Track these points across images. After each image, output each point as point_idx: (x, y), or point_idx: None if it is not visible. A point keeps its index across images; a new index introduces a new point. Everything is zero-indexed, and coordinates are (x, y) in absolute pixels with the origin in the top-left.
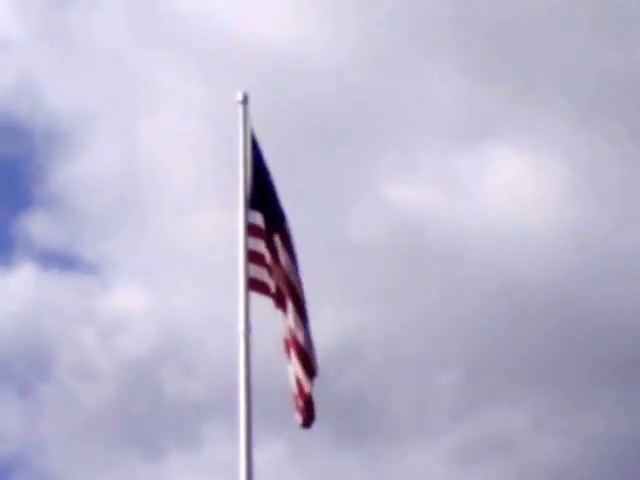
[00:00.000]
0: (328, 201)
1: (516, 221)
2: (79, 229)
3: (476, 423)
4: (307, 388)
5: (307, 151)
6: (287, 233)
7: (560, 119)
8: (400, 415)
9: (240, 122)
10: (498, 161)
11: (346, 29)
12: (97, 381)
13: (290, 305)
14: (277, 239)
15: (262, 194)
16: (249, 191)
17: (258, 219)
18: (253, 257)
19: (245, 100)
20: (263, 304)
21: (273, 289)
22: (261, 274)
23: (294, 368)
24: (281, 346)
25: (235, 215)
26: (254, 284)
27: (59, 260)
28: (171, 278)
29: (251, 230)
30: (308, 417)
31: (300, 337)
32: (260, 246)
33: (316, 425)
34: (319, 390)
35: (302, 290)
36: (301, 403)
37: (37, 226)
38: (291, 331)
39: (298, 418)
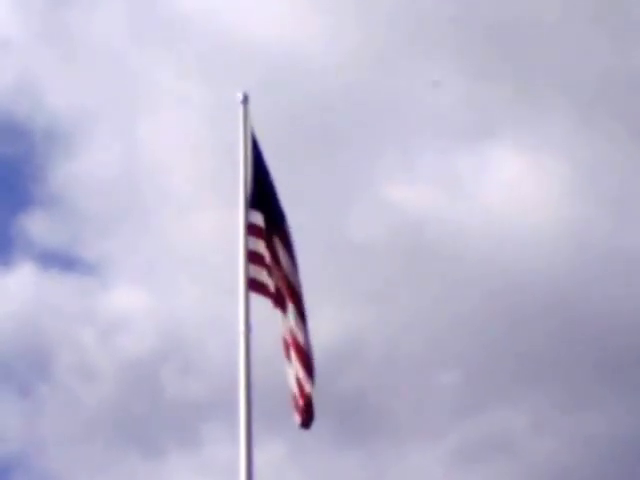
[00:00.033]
0: (328, 201)
1: (516, 221)
2: (79, 229)
3: (476, 423)
4: (307, 388)
5: (307, 151)
6: (287, 233)
7: (560, 119)
8: (400, 415)
9: (240, 122)
10: (498, 161)
11: (346, 29)
12: (97, 381)
13: (290, 305)
14: (277, 239)
15: (262, 194)
16: (249, 191)
17: (258, 219)
18: (253, 257)
19: (245, 100)
20: (263, 304)
21: (273, 289)
22: (261, 274)
23: (294, 368)
24: (281, 346)
25: (235, 215)
26: (254, 285)
27: (59, 260)
28: (171, 278)
29: (251, 230)
30: (307, 417)
31: (300, 337)
32: (260, 246)
33: (316, 425)
34: (319, 390)
35: (301, 291)
36: (301, 403)
37: (37, 226)
38: (291, 331)
39: (297, 418)
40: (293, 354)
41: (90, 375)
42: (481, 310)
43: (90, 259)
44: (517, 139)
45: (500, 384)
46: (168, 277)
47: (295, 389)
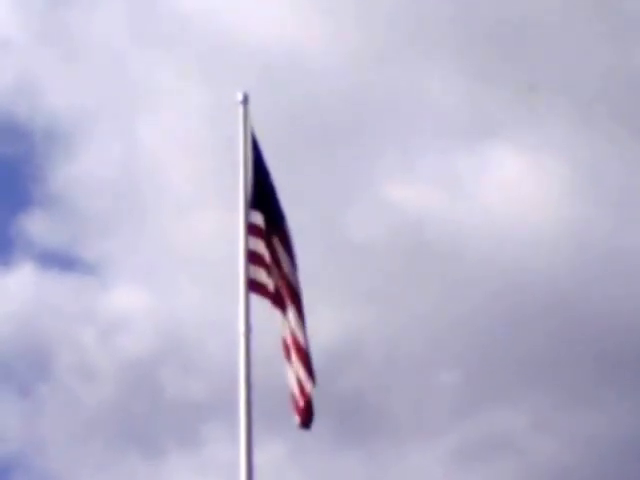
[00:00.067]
0: (328, 201)
1: (516, 221)
2: (79, 229)
3: (476, 423)
4: (308, 388)
5: (307, 151)
6: (286, 234)
7: (560, 119)
8: (400, 415)
9: (240, 122)
10: (498, 161)
11: (346, 29)
12: (97, 381)
13: (290, 306)
14: (276, 239)
15: (262, 194)
16: (249, 191)
17: (258, 219)
18: (253, 257)
19: (245, 100)
20: (263, 304)
21: (272, 289)
22: (261, 275)
23: (295, 368)
24: (281, 346)
25: (235, 215)
26: (254, 285)
27: (59, 260)
28: (171, 278)
29: (251, 230)
30: (308, 418)
31: (300, 337)
32: (260, 246)
33: (316, 425)
34: (319, 390)
35: (301, 291)
36: (302, 403)
37: (37, 226)
38: (291, 331)
39: (297, 419)
40: (293, 354)
41: (90, 375)
42: (481, 310)
43: (90, 259)
44: (517, 139)
45: (500, 384)
46: (168, 277)
47: (295, 389)
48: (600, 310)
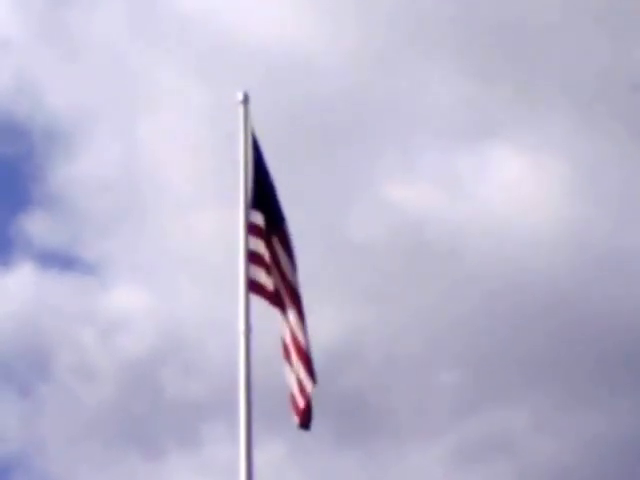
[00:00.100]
0: (328, 201)
1: (516, 221)
2: (79, 229)
3: (476, 423)
4: (309, 388)
5: (307, 151)
6: (286, 234)
7: (560, 119)
8: (400, 415)
9: (240, 122)
10: (498, 161)
11: (346, 29)
12: (97, 381)
13: (290, 306)
14: (276, 240)
15: (262, 194)
16: (250, 191)
17: (259, 219)
18: (253, 258)
19: (245, 100)
20: (263, 304)
21: (272, 290)
22: (260, 275)
23: (295, 368)
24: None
25: (235, 215)
26: (253, 286)
27: (59, 260)
28: (171, 278)
29: (251, 229)
30: (307, 418)
31: (300, 338)
32: (260, 246)
33: (316, 425)
34: (319, 390)
35: (300, 292)
36: (303, 403)
37: (37, 226)
38: (291, 331)
39: (296, 419)
40: (294, 354)
41: (90, 375)
42: (481, 310)
43: (90, 259)
44: (517, 139)
45: (500, 384)
46: (168, 277)
47: (295, 390)
48: (600, 310)
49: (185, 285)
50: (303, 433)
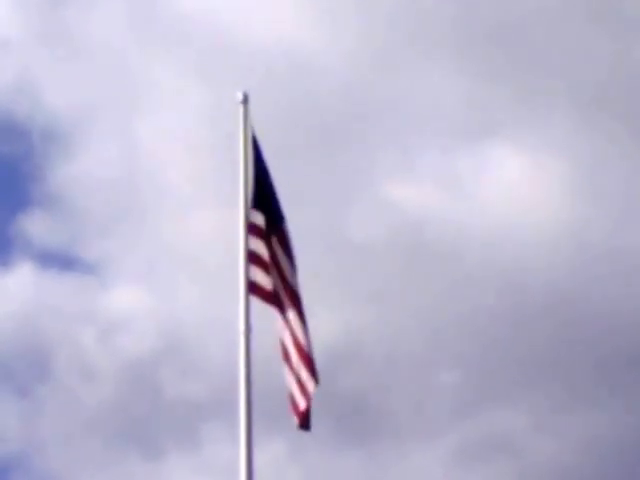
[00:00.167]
0: (328, 201)
1: (516, 221)
2: (78, 229)
3: (476, 423)
4: (310, 388)
5: (307, 151)
6: (286, 234)
7: (560, 119)
8: (400, 415)
9: (240, 122)
10: (498, 161)
11: (346, 29)
12: (97, 381)
13: (290, 307)
14: (275, 240)
15: (262, 194)
16: (250, 191)
17: (259, 219)
18: (253, 258)
19: (245, 100)
20: (263, 304)
21: (272, 290)
22: (260, 276)
23: (296, 369)
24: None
25: (235, 215)
26: (253, 287)
27: (58, 260)
28: (171, 278)
29: (252, 229)
30: (307, 419)
31: (301, 338)
32: (260, 246)
33: (316, 425)
34: (319, 390)
35: (299, 292)
36: (304, 404)
37: (36, 226)
38: (291, 332)
39: (296, 420)
40: (294, 355)
41: (90, 375)
42: (481, 310)
43: (89, 259)
44: (517, 139)
45: (500, 384)
46: (168, 277)
47: (295, 391)
48: (600, 310)
49: (185, 285)
50: (303, 433)
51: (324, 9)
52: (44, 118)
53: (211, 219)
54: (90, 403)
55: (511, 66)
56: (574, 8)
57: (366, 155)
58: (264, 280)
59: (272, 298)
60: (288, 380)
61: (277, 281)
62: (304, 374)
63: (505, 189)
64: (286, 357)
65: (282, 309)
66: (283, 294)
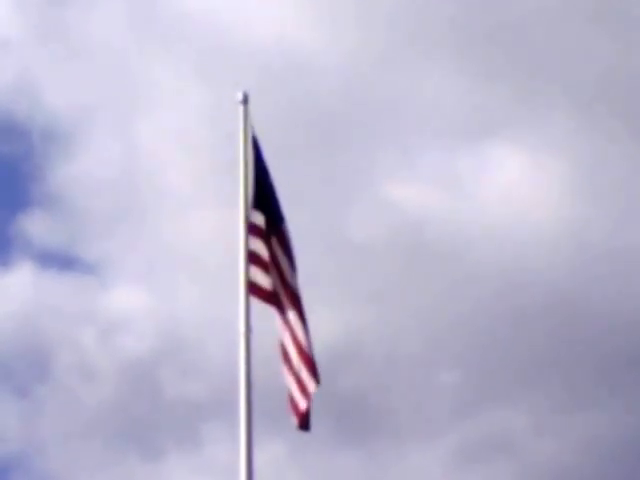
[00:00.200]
0: (328, 201)
1: (516, 221)
2: (78, 229)
3: (476, 423)
4: (312, 389)
5: (307, 151)
6: (285, 235)
7: (560, 119)
8: (400, 415)
9: (240, 122)
10: (498, 161)
11: (346, 29)
12: (97, 381)
13: (290, 308)
14: (275, 240)
15: (262, 194)
16: (250, 191)
17: (259, 219)
18: (253, 258)
19: (245, 100)
20: (263, 304)
21: (271, 291)
22: (260, 276)
23: (296, 370)
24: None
25: (235, 215)
26: (253, 288)
27: (58, 260)
28: (171, 278)
29: (252, 230)
30: (306, 419)
31: (301, 338)
32: (260, 246)
33: (316, 425)
34: (319, 390)
35: (299, 293)
36: (304, 405)
37: (36, 226)
38: (292, 333)
39: (295, 420)
40: (295, 355)
41: (90, 375)
42: (481, 310)
43: (89, 259)
44: (517, 139)
45: (500, 384)
46: (168, 277)
47: (294, 391)
48: (600, 310)
49: (185, 285)
50: (303, 433)
51: (324, 9)
52: (44, 118)
53: (211, 219)
54: (90, 403)
55: (511, 66)
56: (574, 8)
57: (366, 155)
58: (264, 280)
59: (272, 298)
60: (287, 380)
61: (277, 281)
62: (305, 374)
63: (505, 189)
64: (286, 358)
65: (282, 309)
66: (283, 294)
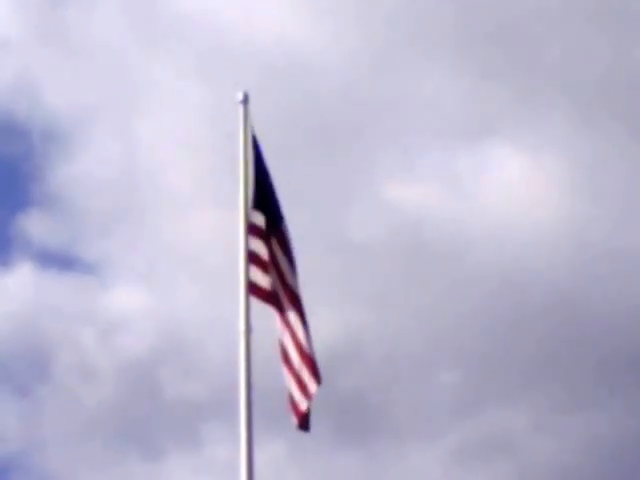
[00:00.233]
0: (328, 201)
1: (516, 221)
2: (78, 229)
3: (476, 423)
4: (313, 389)
5: (307, 151)
6: (285, 235)
7: (560, 119)
8: (400, 415)
9: (240, 122)
10: (498, 161)
11: (346, 29)
12: (97, 381)
13: (290, 308)
14: (275, 241)
15: (262, 194)
16: (250, 191)
17: (259, 219)
18: (253, 258)
19: (245, 100)
20: (264, 304)
21: (271, 291)
22: (260, 276)
23: (296, 370)
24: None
25: (235, 215)
26: (253, 287)
27: (58, 260)
28: (171, 278)
29: (252, 230)
30: (306, 419)
31: (302, 338)
32: (260, 247)
33: (316, 425)
34: (319, 390)
35: (299, 293)
36: (305, 405)
37: (36, 226)
38: (292, 333)
39: (295, 420)
40: (295, 356)
41: (90, 375)
42: (481, 310)
43: (89, 259)
44: (517, 139)
45: (500, 384)
46: (168, 277)
47: (294, 391)
48: (600, 310)
49: (185, 285)
50: (303, 433)
51: (324, 9)
52: (44, 118)
53: (211, 219)
54: (90, 403)
55: (511, 66)
56: (574, 8)
57: (366, 155)
58: (264, 280)
59: (272, 298)
60: (287, 381)
61: (276, 282)
62: (305, 375)
63: (505, 189)
64: (285, 358)
65: (281, 309)
66: (282, 294)
